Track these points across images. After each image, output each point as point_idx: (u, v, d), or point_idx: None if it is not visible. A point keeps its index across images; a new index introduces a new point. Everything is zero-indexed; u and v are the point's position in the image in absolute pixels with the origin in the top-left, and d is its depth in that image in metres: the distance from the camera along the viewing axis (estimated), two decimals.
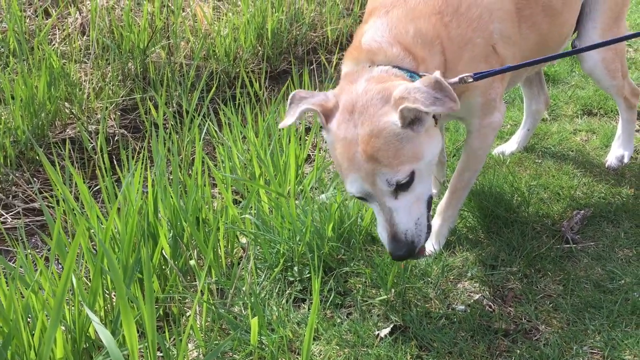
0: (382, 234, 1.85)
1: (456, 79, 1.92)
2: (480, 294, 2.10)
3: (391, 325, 1.96)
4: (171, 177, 2.49)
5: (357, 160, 1.77)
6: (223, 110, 3.15)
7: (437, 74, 1.73)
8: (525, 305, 2.03)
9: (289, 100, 1.88)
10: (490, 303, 2.07)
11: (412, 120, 1.76)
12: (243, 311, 2.05)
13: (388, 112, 1.75)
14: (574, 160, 2.87)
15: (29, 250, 2.08)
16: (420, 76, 1.88)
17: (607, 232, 2.37)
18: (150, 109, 3.88)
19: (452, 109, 1.68)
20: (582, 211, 2.43)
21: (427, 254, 2.19)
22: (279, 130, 3.18)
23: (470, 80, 1.92)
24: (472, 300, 2.07)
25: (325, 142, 1.95)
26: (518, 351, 1.85)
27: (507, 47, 2.15)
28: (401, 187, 1.79)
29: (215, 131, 3.30)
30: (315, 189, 2.85)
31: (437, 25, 1.97)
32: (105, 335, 1.54)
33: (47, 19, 4.37)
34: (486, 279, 2.16)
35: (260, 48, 4.81)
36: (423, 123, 1.78)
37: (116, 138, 3.81)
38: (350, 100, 1.81)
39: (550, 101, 3.14)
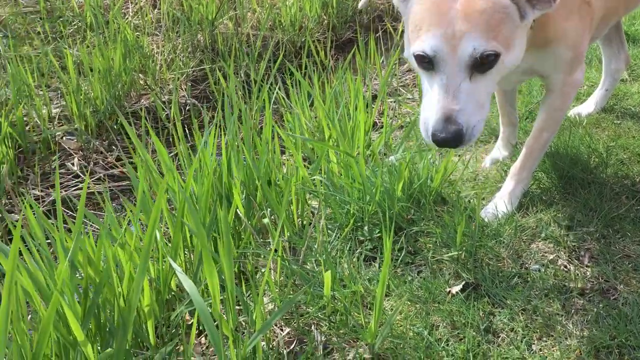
0: (431, 113, 1.62)
1: None
2: (555, 254, 2.07)
3: (463, 283, 1.96)
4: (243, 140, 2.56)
5: (449, 16, 1.60)
6: (291, 73, 3.18)
7: None
8: (603, 266, 1.99)
9: None
10: (565, 263, 2.03)
11: (520, 6, 1.67)
12: (315, 268, 2.10)
13: None
14: None
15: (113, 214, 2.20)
16: None
17: None
18: (219, 79, 3.97)
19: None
20: None
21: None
22: (346, 98, 3.20)
23: None
24: (546, 260, 2.04)
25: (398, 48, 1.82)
26: (595, 310, 1.82)
27: None
28: (480, 68, 1.63)
29: (283, 98, 3.35)
30: (384, 154, 2.86)
31: None
32: (188, 284, 1.62)
33: None
34: (561, 239, 2.12)
35: (325, 17, 4.81)
36: (526, 17, 1.69)
37: (187, 108, 3.93)
38: None
39: (630, 60, 3.00)
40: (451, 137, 1.59)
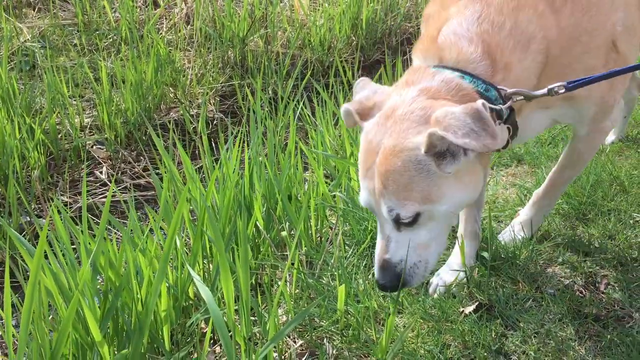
0: (375, 257, 1.68)
1: (544, 91, 1.61)
2: (571, 280, 2.06)
3: (476, 303, 1.96)
4: (267, 155, 2.61)
5: (371, 171, 1.58)
6: (317, 91, 3.24)
7: (479, 103, 1.45)
8: (619, 293, 1.97)
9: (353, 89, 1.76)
10: (581, 289, 2.02)
11: (441, 153, 1.50)
12: (331, 282, 2.13)
13: (421, 132, 1.50)
14: None
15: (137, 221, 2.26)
16: (497, 89, 1.60)
17: None
18: (247, 94, 4.05)
19: (488, 147, 1.42)
20: None
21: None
22: None
23: (562, 90, 1.60)
24: (562, 285, 2.04)
25: None
26: (609, 336, 1.80)
27: (630, 40, 1.79)
28: (406, 223, 1.58)
29: (308, 115, 3.40)
30: None
31: (546, 14, 1.65)
32: (205, 291, 1.66)
33: (155, 9, 4.66)
34: (578, 265, 2.11)
35: (354, 38, 4.88)
36: (454, 162, 1.50)
37: (215, 122, 4.02)
38: (393, 105, 1.59)
39: None
40: (388, 284, 1.65)
